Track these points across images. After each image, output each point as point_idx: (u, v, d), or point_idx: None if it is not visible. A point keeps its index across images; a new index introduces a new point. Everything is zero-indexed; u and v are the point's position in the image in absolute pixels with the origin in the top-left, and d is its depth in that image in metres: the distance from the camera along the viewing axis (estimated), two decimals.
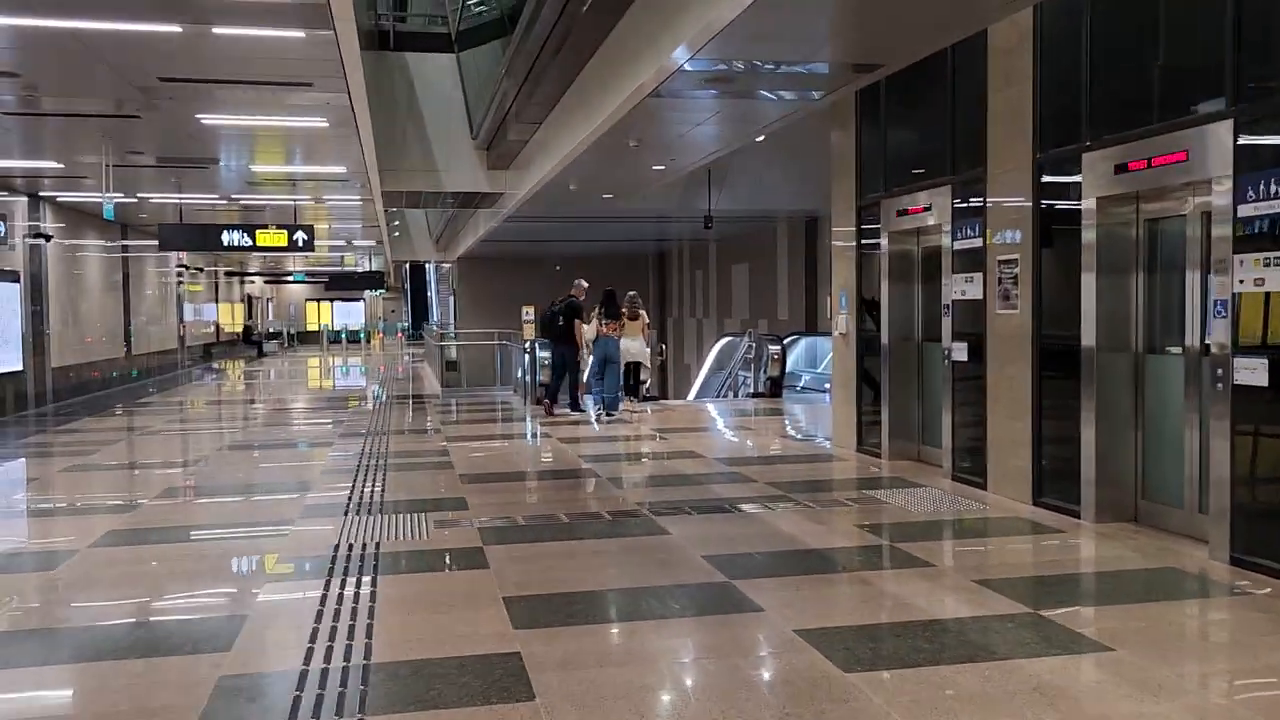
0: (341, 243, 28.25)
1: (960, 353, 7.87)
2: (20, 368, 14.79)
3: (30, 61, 7.59)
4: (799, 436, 11.48)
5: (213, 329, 30.95)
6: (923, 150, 8.64)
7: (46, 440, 12.36)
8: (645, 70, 7.48)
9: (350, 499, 7.65)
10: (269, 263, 37.93)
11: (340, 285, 36.28)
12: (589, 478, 8.65)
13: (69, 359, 17.11)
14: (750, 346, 15.79)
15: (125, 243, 20.60)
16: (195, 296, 28.47)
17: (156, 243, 16.28)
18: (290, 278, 38.48)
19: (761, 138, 10.05)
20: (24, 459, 11.00)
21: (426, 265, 49.27)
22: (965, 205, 7.80)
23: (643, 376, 15.01)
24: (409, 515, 6.99)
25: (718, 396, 17.75)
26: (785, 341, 15.98)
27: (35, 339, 15.69)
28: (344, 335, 35.93)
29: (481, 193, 15.87)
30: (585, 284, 13.85)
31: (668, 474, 8.81)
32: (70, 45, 7.18)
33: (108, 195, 11.81)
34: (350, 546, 6.09)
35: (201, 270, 28.74)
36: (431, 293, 51.32)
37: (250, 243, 16.12)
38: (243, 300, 37.05)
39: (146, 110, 9.30)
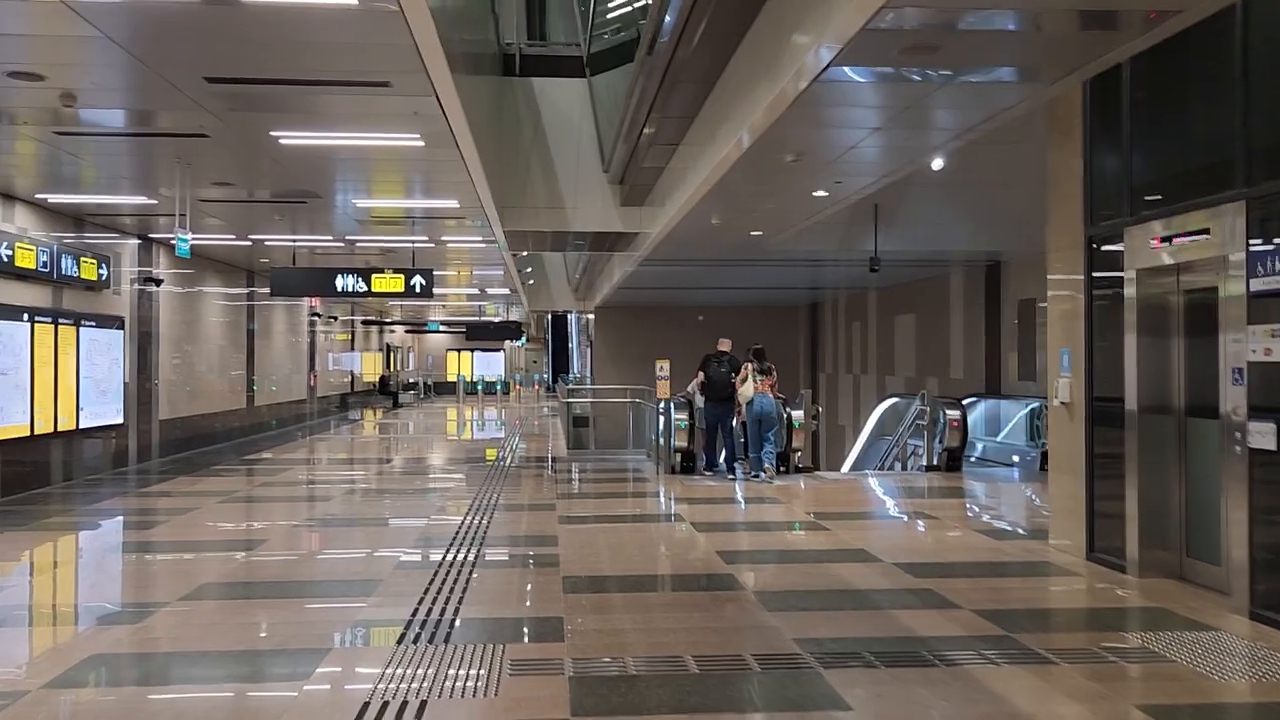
0: (475, 290, 27.16)
1: (1265, 436, 5.50)
2: (120, 420, 13.79)
3: (49, 59, 6.23)
4: (999, 530, 9.07)
5: (348, 379, 30.31)
6: (1191, 157, 6.36)
7: (120, 506, 11.11)
8: (806, 47, 5.50)
9: (414, 615, 5.82)
10: (409, 312, 37.47)
11: (478, 335, 35.32)
12: (730, 590, 6.58)
13: (180, 410, 16.16)
14: (923, 410, 13.43)
15: (252, 289, 19.85)
16: (330, 345, 27.85)
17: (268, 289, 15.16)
18: (426, 327, 37.82)
19: (939, 163, 7.96)
20: (76, 532, 9.67)
21: (568, 315, 48.42)
22: (1269, 231, 5.49)
23: (795, 444, 12.91)
24: (482, 648, 5.10)
25: (879, 468, 15.39)
26: (965, 404, 13.56)
27: (141, 389, 14.74)
28: (479, 386, 34.84)
29: (614, 233, 14.15)
30: (730, 341, 13.03)
31: (834, 588, 6.65)
32: (85, 35, 5.74)
33: (180, 232, 10.53)
34: (383, 708, 4.22)
35: (336, 319, 28.12)
36: (573, 344, 50.31)
37: (365, 288, 14.84)
38: (382, 349, 36.57)
39: (213, 127, 7.90)
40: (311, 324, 25.12)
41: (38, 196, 11.19)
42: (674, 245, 13.48)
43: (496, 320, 35.30)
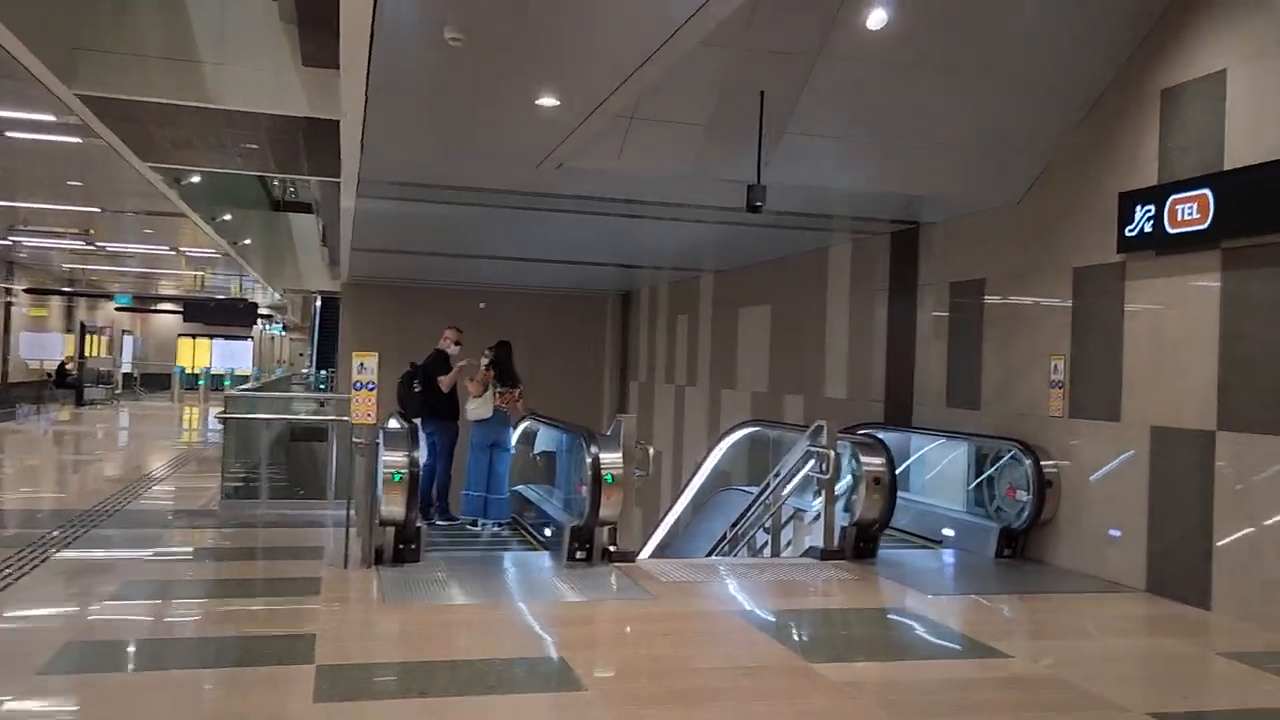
0: (171, 251, 19.98)
1: None
2: None
3: None
4: None
5: None
6: None
7: None
8: None
9: None
10: (127, 282, 29.44)
11: (201, 316, 27.43)
12: None
13: None
14: (821, 457, 7.85)
15: None
16: None
17: None
18: (115, 300, 29.04)
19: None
20: None
21: (341, 299, 40.81)
22: None
23: (604, 511, 7.16)
24: None
25: (724, 547, 9.62)
26: (877, 441, 8.08)
27: None
28: (202, 382, 27.03)
29: (297, 119, 7.97)
30: (458, 331, 9.49)
31: None
32: None
33: None
34: None
35: None
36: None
37: None
38: (74, 331, 28.30)
39: None
40: None
41: None
42: (394, 135, 7.44)
43: (216, 298, 27.73)
